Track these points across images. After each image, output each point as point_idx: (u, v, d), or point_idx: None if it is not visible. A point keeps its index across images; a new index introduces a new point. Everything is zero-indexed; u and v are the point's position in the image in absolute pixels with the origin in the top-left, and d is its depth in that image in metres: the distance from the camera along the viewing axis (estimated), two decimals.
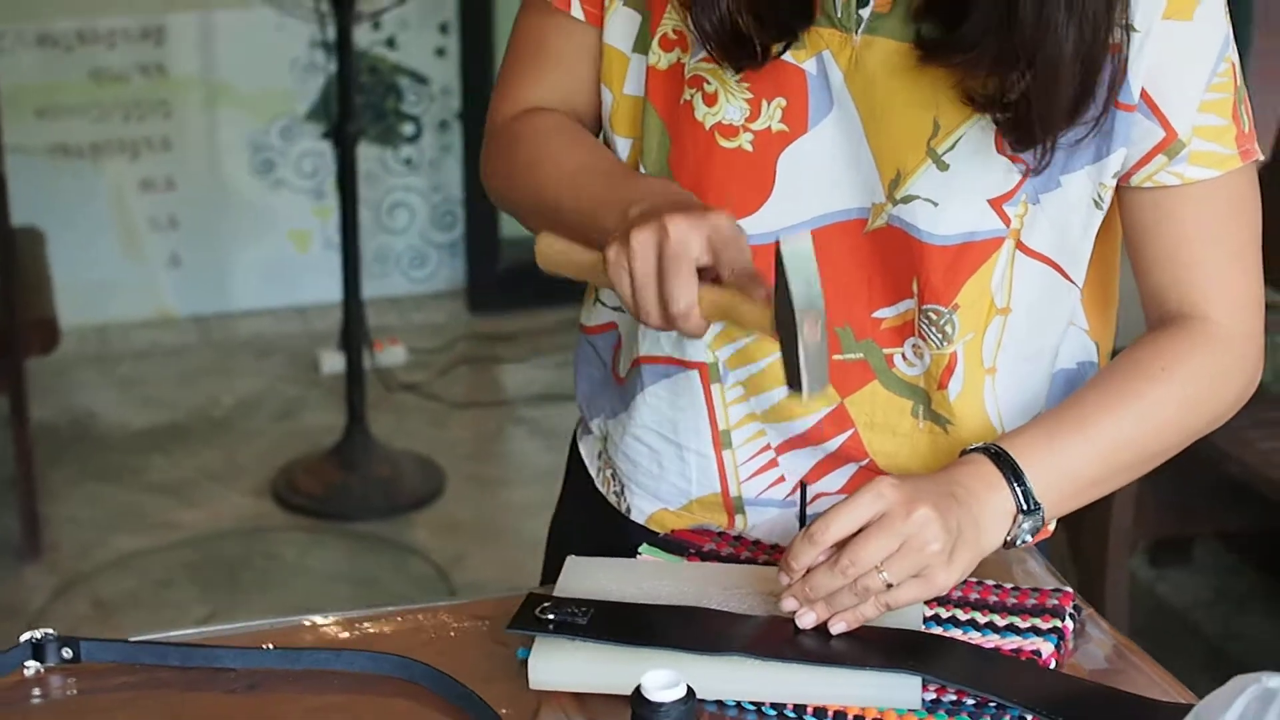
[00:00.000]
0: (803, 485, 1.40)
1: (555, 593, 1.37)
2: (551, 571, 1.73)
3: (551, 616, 1.32)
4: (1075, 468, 1.37)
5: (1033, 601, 1.36)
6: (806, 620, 1.29)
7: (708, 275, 1.29)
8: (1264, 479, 2.69)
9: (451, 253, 4.74)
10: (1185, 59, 1.36)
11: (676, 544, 1.47)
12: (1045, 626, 1.33)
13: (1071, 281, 1.44)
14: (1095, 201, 1.41)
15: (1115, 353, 1.51)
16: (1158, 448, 1.41)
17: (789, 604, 1.29)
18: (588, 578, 1.39)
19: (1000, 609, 1.35)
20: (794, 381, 1.25)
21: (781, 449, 1.49)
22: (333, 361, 4.25)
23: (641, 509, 1.56)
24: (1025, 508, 1.34)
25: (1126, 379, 1.40)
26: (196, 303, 4.55)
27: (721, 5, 1.36)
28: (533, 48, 1.53)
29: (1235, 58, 1.38)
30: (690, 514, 1.53)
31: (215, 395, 4.17)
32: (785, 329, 1.24)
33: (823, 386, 1.25)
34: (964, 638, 1.31)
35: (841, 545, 1.28)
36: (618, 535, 1.57)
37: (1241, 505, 2.85)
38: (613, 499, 1.59)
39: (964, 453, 1.38)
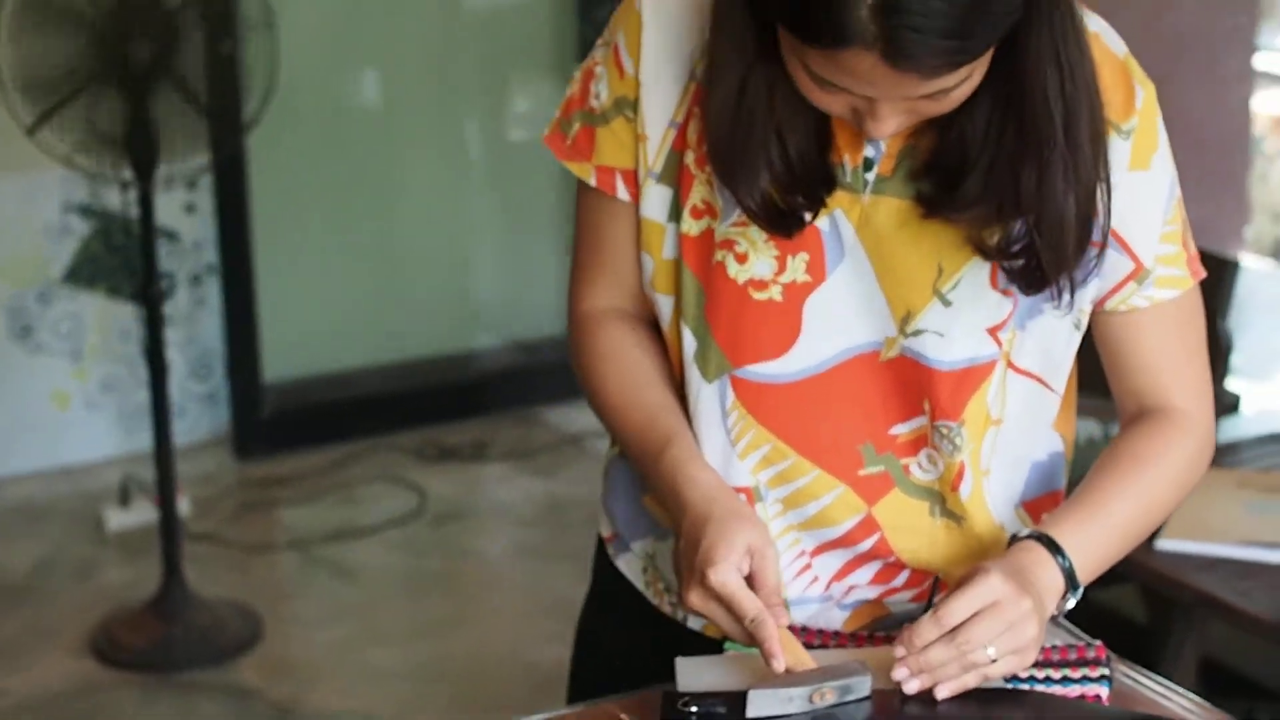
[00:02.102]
0: (935, 579, 1.64)
1: (680, 690, 1.58)
2: (583, 683, 1.93)
3: (695, 709, 1.53)
4: (1100, 546, 1.64)
5: (1074, 656, 1.63)
6: (912, 686, 1.53)
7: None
8: None
9: (211, 403, 4.84)
10: (1147, 201, 1.65)
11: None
12: (1095, 675, 1.60)
13: (1053, 391, 1.72)
14: (1075, 325, 1.68)
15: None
16: (1156, 520, 1.70)
17: (900, 673, 1.53)
18: (705, 674, 1.60)
19: (1055, 665, 1.61)
20: None
21: (815, 553, 1.72)
22: (119, 518, 4.32)
23: (697, 618, 1.77)
24: (1072, 587, 1.61)
25: (1130, 467, 1.68)
26: None
27: (761, 185, 1.59)
28: (593, 235, 1.76)
29: (1179, 192, 1.69)
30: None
31: (4, 562, 4.19)
32: None
33: None
34: (1039, 690, 1.58)
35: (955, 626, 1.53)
36: (669, 642, 1.78)
37: None
38: (667, 609, 1.79)
39: (1015, 539, 1.63)
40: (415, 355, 5.16)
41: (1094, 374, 1.78)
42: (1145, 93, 1.62)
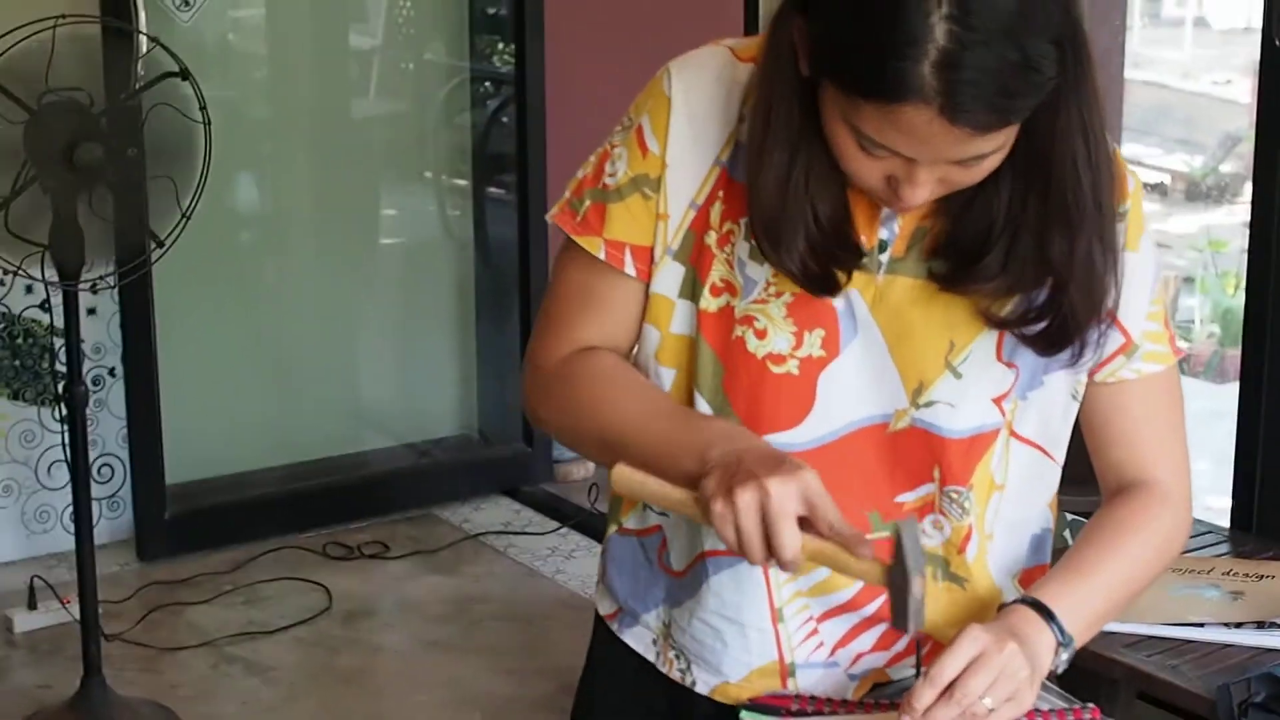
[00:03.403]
0: (917, 642, 1.73)
1: None
2: None
3: None
4: (1089, 606, 1.76)
5: (1072, 718, 1.74)
6: None
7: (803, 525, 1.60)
8: None
9: (111, 505, 4.85)
10: (1137, 280, 1.78)
11: (768, 708, 1.79)
12: None
13: (1053, 460, 1.84)
14: (1073, 395, 1.81)
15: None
16: (1141, 585, 1.83)
17: None
18: None
19: None
20: (900, 623, 1.59)
21: (821, 618, 1.82)
22: (27, 620, 4.31)
23: (707, 682, 1.86)
24: (1062, 641, 1.72)
25: (1115, 535, 1.81)
26: None
27: (799, 251, 1.68)
28: (580, 296, 1.82)
29: (1161, 275, 1.82)
30: (749, 683, 1.83)
31: None
32: (898, 586, 1.58)
33: (921, 626, 1.60)
34: None
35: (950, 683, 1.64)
36: (682, 711, 1.87)
37: None
38: (677, 675, 1.88)
39: (1002, 606, 1.75)
40: (311, 457, 5.22)
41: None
42: (1134, 181, 1.77)
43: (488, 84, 5.44)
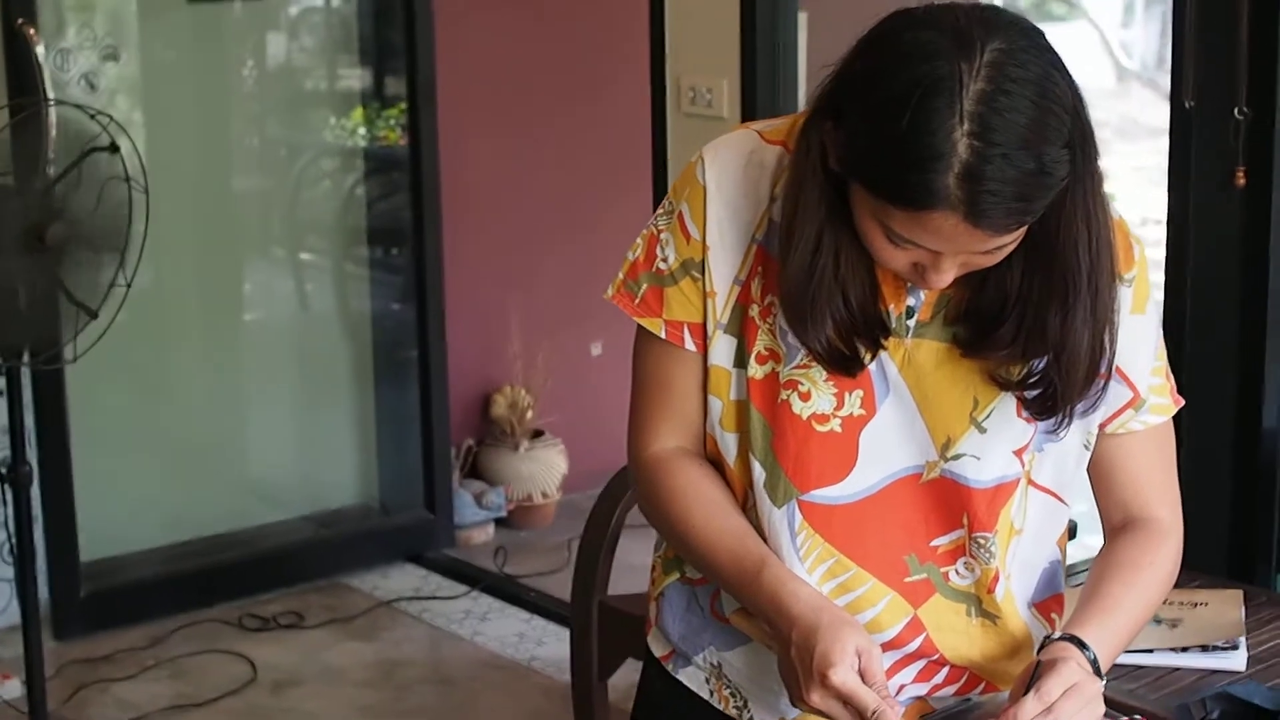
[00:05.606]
0: (1039, 662, 1.85)
1: None
2: None
3: None
4: (1113, 642, 1.92)
5: None
6: None
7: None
8: None
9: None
10: (1142, 340, 1.95)
11: None
12: None
13: (1065, 504, 2.00)
14: (1085, 446, 1.97)
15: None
16: (1151, 615, 1.99)
17: None
18: None
19: None
20: None
21: None
22: None
23: (763, 718, 2.00)
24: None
25: (1131, 573, 1.96)
26: None
27: (826, 331, 1.85)
28: (658, 383, 1.97)
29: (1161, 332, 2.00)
30: (805, 718, 1.97)
31: None
32: None
33: None
34: None
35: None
36: None
37: None
38: (734, 713, 2.01)
39: (1050, 640, 1.89)
40: (217, 532, 5.26)
41: None
42: (1139, 248, 1.94)
43: (380, 157, 5.54)
